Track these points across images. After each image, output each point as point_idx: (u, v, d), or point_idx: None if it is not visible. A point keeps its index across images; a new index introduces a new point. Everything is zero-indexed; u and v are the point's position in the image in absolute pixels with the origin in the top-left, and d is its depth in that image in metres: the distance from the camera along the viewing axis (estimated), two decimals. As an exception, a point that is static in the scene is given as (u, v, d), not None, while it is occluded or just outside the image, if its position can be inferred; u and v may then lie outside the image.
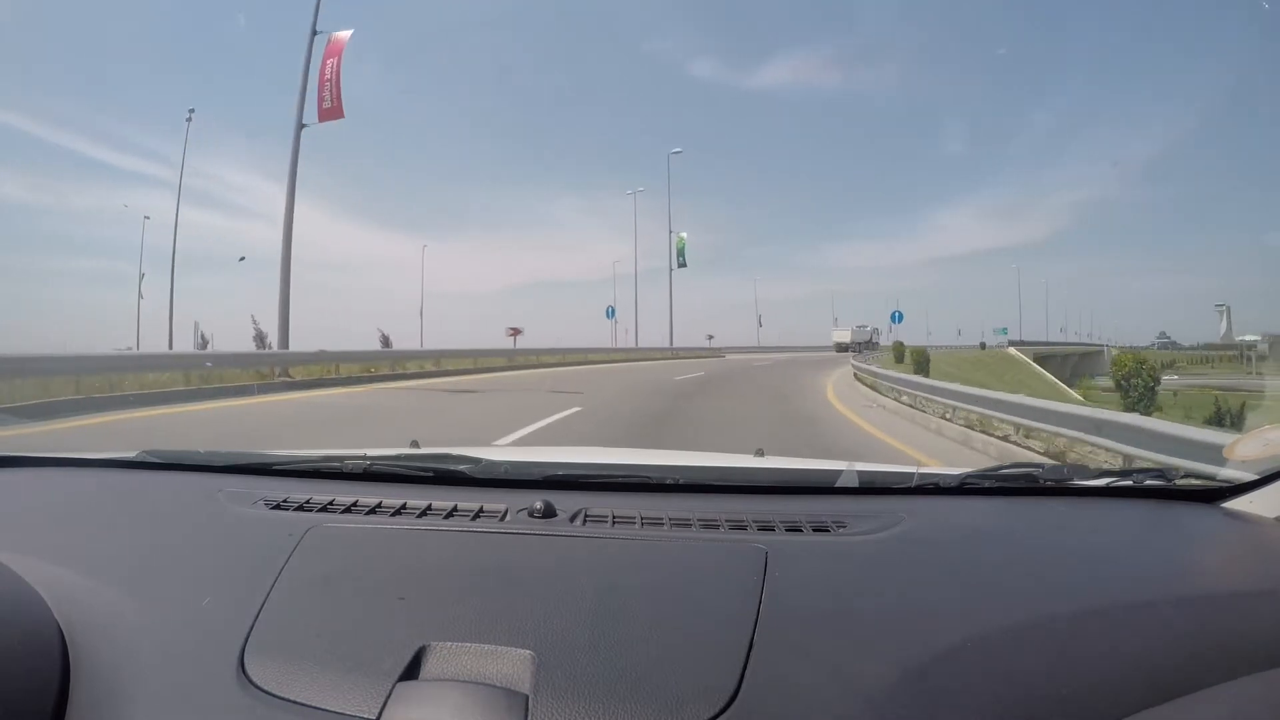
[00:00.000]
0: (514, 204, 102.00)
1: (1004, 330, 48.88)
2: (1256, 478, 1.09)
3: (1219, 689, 0.63)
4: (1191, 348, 78.84)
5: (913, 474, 1.13)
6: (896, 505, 1.03)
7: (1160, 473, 1.12)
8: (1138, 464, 4.13)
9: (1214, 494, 1.12)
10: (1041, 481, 1.12)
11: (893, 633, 0.69)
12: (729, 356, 36.24)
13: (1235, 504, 1.08)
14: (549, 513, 0.94)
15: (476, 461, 1.14)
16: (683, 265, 40.29)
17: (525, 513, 0.94)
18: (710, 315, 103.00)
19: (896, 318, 28.49)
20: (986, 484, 1.12)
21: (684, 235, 40.33)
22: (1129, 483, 1.12)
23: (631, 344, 37.32)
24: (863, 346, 50.24)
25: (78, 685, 0.63)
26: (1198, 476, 1.21)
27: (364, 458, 1.19)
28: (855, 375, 15.19)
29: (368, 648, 0.66)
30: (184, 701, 0.62)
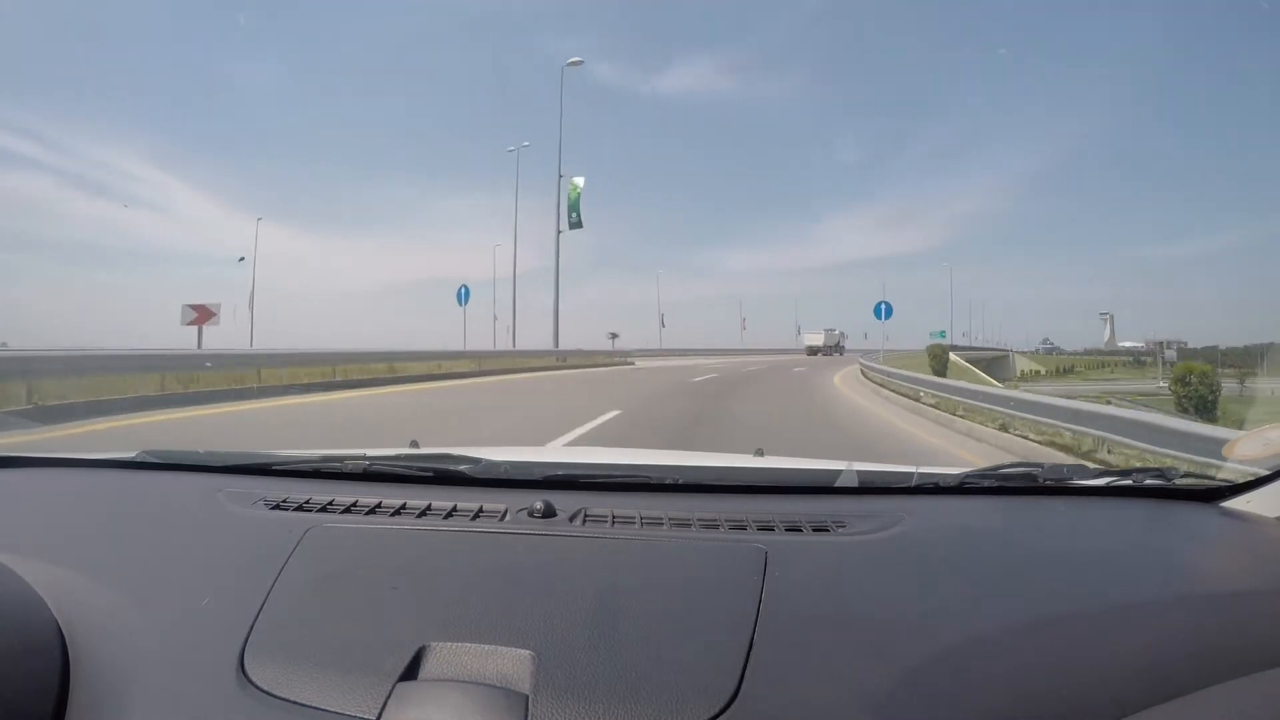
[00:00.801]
0: (413, 202, 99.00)
1: (941, 334, 44.08)
2: (1256, 477, 1.09)
3: (1219, 688, 0.63)
4: (1074, 353, 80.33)
5: (912, 474, 1.13)
6: (896, 505, 1.03)
7: (1160, 472, 1.12)
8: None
9: (1214, 493, 1.12)
10: (1041, 481, 1.12)
11: (892, 632, 0.69)
12: (640, 364, 25.66)
13: (1235, 503, 1.08)
14: (549, 513, 0.94)
15: (476, 461, 1.14)
16: (577, 225, 27.00)
17: (525, 512, 0.94)
18: (609, 315, 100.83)
19: (883, 312, 20.36)
20: (986, 483, 1.12)
21: (579, 182, 26.98)
22: (1129, 482, 1.12)
23: (526, 344, 25.52)
24: (832, 350, 49.63)
25: (78, 685, 0.63)
26: (1197, 476, 1.21)
27: (364, 458, 1.18)
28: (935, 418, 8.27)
29: (368, 648, 0.66)
30: (184, 701, 0.62)
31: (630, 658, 0.64)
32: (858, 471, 1.12)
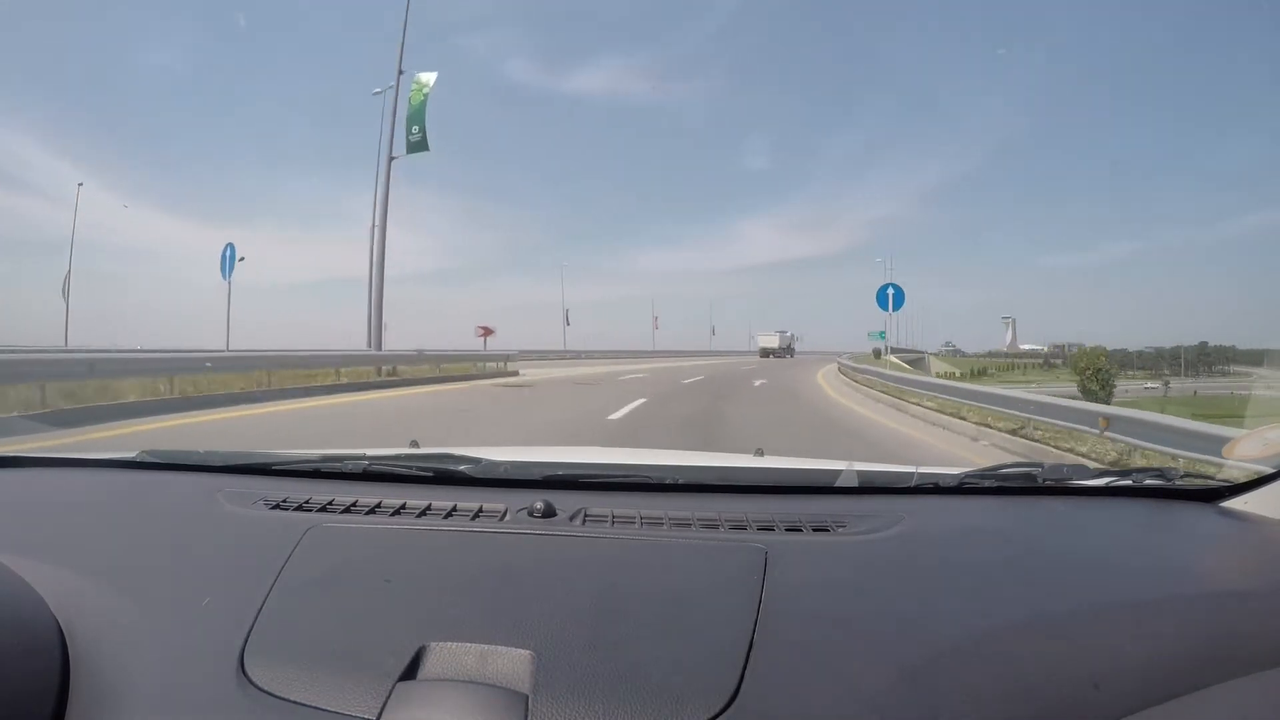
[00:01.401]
0: (323, 198, 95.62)
1: (881, 334, 40.95)
2: (1256, 477, 1.09)
3: (1219, 688, 0.63)
4: (976, 355, 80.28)
5: (912, 474, 1.13)
6: (896, 505, 1.03)
7: (1160, 472, 1.12)
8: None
9: (1214, 493, 1.12)
10: (1041, 481, 1.12)
11: (892, 632, 0.69)
12: (532, 373, 18.19)
13: (1235, 503, 1.08)
14: (549, 512, 0.94)
15: (476, 461, 1.14)
16: (419, 146, 17.17)
17: (525, 512, 0.94)
18: (504, 317, 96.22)
19: (891, 301, 16.16)
20: (986, 484, 1.13)
21: (426, 80, 17.26)
22: (1129, 482, 1.12)
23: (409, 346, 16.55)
24: (784, 352, 50.01)
25: (78, 685, 0.63)
26: (1197, 476, 1.21)
27: (363, 457, 1.19)
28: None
29: (368, 648, 0.66)
30: (184, 701, 0.62)
31: (630, 658, 0.64)
32: (858, 471, 1.12)
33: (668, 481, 1.12)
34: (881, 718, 0.58)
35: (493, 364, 19.62)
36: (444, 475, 1.13)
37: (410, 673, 0.62)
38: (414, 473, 1.14)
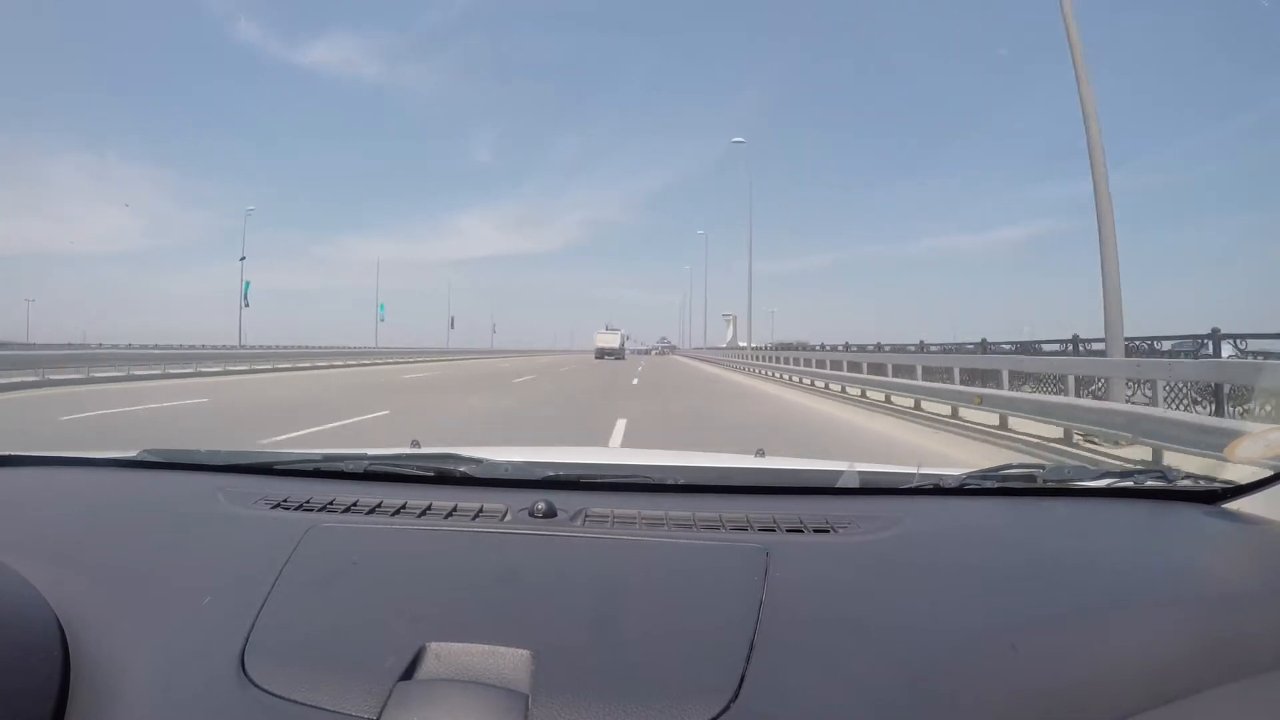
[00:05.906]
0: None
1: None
2: (1257, 479, 1.09)
3: (1220, 690, 0.63)
4: (698, 348, 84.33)
5: (913, 474, 1.13)
6: (897, 506, 1.03)
7: (1161, 473, 1.12)
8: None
9: (1215, 495, 1.12)
10: (1042, 482, 1.12)
11: (893, 633, 0.69)
12: None
13: (1236, 505, 1.08)
14: (550, 513, 0.94)
15: (478, 461, 1.15)
16: None
17: (526, 512, 0.94)
18: (208, 304, 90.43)
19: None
20: (987, 484, 1.13)
21: None
22: (1130, 483, 1.12)
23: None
24: (621, 352, 51.64)
25: (78, 685, 0.63)
26: (1198, 477, 1.21)
27: (364, 457, 1.19)
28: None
29: (368, 648, 0.66)
30: (184, 701, 0.62)
31: (630, 658, 0.64)
32: (859, 472, 1.12)
33: (669, 482, 1.12)
34: (882, 718, 0.58)
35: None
36: (445, 475, 1.13)
37: (410, 673, 0.62)
38: (415, 473, 1.14)
